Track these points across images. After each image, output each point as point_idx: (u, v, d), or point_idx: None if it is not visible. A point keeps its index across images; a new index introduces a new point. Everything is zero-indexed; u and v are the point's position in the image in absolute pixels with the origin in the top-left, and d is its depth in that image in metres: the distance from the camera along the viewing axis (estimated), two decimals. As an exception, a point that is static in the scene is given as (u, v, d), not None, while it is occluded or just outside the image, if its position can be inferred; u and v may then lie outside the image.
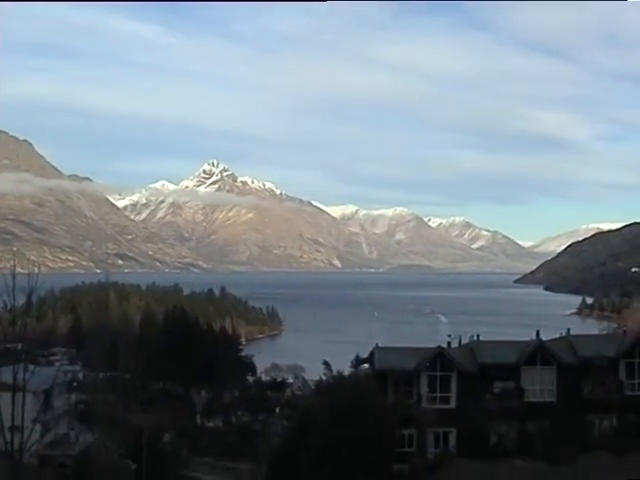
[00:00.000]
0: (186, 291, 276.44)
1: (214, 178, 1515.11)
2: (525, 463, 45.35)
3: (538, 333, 52.84)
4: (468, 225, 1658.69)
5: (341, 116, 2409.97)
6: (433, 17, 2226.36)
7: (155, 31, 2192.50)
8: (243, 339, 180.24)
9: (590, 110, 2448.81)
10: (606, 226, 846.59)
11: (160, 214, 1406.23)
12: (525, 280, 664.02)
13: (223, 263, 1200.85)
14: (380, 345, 53.22)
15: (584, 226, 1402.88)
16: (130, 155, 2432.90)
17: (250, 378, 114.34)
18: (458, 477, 44.37)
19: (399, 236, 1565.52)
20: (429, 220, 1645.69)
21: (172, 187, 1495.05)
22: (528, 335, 58.57)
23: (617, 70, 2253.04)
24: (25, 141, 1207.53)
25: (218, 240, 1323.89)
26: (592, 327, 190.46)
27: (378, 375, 50.02)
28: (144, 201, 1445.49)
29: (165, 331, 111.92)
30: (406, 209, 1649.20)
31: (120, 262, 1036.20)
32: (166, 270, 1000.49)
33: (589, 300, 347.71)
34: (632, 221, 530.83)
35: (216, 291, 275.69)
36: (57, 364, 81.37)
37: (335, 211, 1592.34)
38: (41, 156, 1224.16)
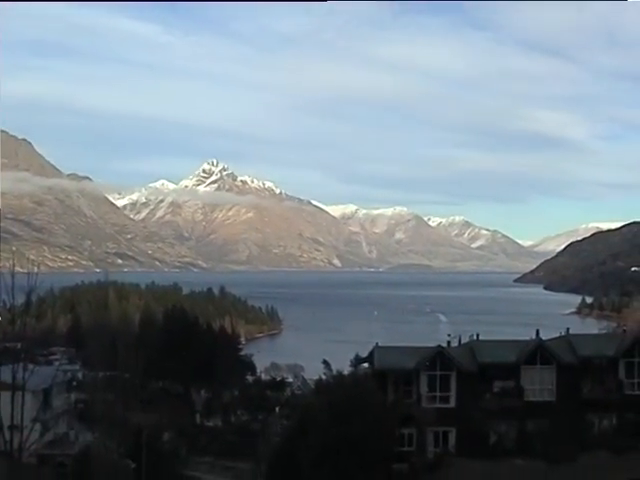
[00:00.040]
0: (185, 290, 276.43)
1: (214, 177, 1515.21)
2: (525, 462, 45.36)
3: (538, 332, 52.84)
4: (468, 224, 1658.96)
5: (341, 115, 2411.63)
6: (433, 16, 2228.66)
7: (154, 30, 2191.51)
8: (242, 338, 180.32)
9: (590, 109, 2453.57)
10: (606, 225, 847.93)
11: (159, 213, 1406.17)
12: (525, 279, 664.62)
13: (222, 262, 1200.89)
14: (380, 344, 53.25)
15: (584, 225, 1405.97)
16: (129, 154, 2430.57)
17: (250, 377, 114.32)
18: (457, 476, 44.37)
19: (399, 235, 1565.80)
20: (429, 219, 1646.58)
21: (172, 186, 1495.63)
22: (528, 334, 58.62)
23: (617, 69, 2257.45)
24: (24, 140, 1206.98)
25: (217, 239, 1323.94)
26: (592, 326, 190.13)
27: (378, 374, 50.03)
28: (143, 200, 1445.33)
29: (164, 330, 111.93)
30: (406, 208, 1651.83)
31: (119, 261, 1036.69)
32: (165, 269, 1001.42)
33: (589, 299, 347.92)
34: (632, 220, 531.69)
35: (215, 290, 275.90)
36: (56, 363, 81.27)
37: (335, 210, 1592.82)
38: (40, 155, 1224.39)
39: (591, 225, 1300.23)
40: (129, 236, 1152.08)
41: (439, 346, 51.30)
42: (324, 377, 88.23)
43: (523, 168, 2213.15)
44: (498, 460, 45.15)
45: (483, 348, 51.49)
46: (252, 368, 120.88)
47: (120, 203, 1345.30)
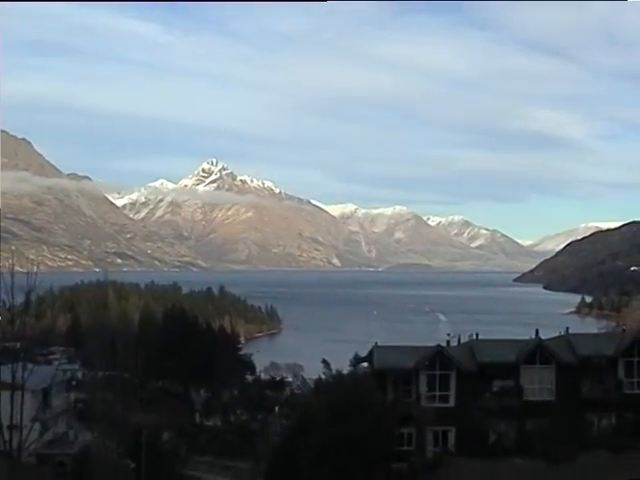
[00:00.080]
0: (185, 290, 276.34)
1: (213, 177, 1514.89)
2: (524, 462, 45.35)
3: (537, 332, 52.77)
4: (467, 224, 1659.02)
5: (340, 115, 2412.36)
6: (433, 16, 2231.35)
7: (154, 30, 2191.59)
8: (242, 338, 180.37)
9: (590, 109, 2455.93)
10: (605, 225, 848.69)
11: (159, 213, 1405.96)
12: (524, 279, 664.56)
13: (222, 262, 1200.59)
14: (379, 344, 53.14)
15: (583, 225, 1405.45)
16: (129, 154, 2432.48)
17: (249, 377, 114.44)
18: (457, 476, 44.35)
19: (398, 235, 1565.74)
20: (428, 219, 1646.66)
21: (171, 186, 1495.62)
22: (527, 334, 58.59)
23: (617, 69, 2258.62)
24: (24, 140, 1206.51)
25: (217, 239, 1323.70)
26: (591, 326, 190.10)
27: (377, 374, 50.03)
28: (143, 200, 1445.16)
29: (164, 330, 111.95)
30: (405, 208, 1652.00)
31: (119, 261, 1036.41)
32: (165, 269, 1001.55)
33: (588, 299, 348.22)
34: (631, 220, 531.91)
35: (215, 290, 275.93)
36: (56, 363, 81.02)
37: (334, 210, 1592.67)
38: (40, 155, 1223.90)
39: (590, 224, 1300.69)
40: (128, 235, 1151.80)
41: (438, 345, 51.29)
42: (323, 376, 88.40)
43: (523, 168, 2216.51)
44: (497, 459, 45.13)
45: (482, 347, 51.48)
46: (251, 368, 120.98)
47: (120, 203, 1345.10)
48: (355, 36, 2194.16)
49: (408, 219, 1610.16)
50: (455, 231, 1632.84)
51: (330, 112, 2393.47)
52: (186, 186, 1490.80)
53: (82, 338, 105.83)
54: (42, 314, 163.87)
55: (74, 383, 72.61)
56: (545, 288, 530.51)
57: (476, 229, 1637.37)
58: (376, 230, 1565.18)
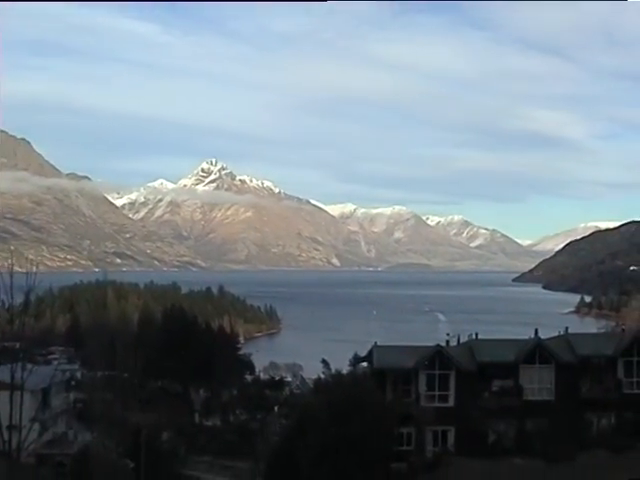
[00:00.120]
0: (184, 290, 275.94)
1: (212, 177, 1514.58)
2: (524, 461, 45.38)
3: (537, 332, 52.73)
4: (467, 224, 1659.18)
5: (340, 115, 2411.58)
6: (432, 16, 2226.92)
7: (153, 30, 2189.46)
8: (241, 338, 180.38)
9: (589, 109, 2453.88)
10: (604, 224, 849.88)
11: (158, 213, 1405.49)
12: (524, 279, 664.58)
13: (221, 262, 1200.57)
14: (379, 344, 53.13)
15: (582, 225, 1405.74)
16: (128, 154, 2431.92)
17: (248, 377, 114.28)
18: (457, 475, 44.36)
19: (398, 235, 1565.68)
20: (427, 219, 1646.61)
21: (170, 186, 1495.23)
22: (527, 334, 58.46)
23: (616, 69, 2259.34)
24: (23, 139, 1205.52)
25: (216, 239, 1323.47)
26: (590, 325, 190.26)
27: (377, 373, 50.04)
28: (142, 200, 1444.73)
29: (163, 330, 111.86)
30: (405, 208, 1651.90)
31: (118, 261, 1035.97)
32: (164, 269, 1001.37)
33: (587, 298, 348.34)
34: (630, 219, 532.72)
35: (214, 290, 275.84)
36: (55, 363, 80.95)
37: (334, 210, 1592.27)
38: (39, 155, 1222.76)
39: (590, 224, 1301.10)
40: (128, 235, 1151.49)
41: (438, 345, 51.26)
42: (323, 376, 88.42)
43: (522, 168, 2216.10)
44: (497, 459, 45.16)
45: (482, 347, 51.48)
46: (251, 367, 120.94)
47: (119, 202, 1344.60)
48: (355, 36, 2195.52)
49: (407, 219, 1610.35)
50: (454, 231, 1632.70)
51: (330, 112, 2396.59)
52: (185, 186, 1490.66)
53: (81, 338, 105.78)
54: (41, 314, 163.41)
55: (73, 383, 72.51)
56: (544, 288, 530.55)
57: (475, 229, 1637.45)
58: (375, 230, 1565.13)
